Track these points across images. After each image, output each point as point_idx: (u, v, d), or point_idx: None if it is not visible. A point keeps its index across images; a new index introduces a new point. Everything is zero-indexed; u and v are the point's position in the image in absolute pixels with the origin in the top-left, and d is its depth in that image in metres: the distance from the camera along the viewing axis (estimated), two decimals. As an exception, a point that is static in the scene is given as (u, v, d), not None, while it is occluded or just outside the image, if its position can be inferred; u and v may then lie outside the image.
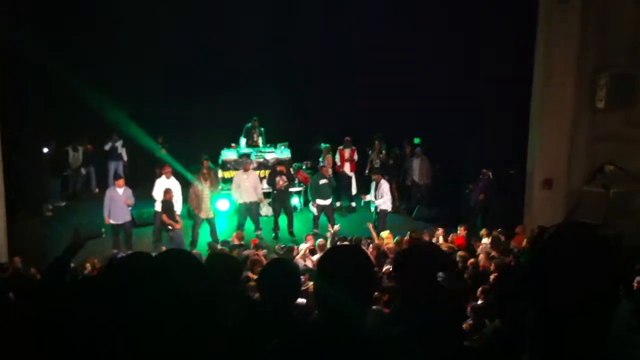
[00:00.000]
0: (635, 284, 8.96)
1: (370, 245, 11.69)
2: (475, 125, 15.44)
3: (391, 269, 9.05)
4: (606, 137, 13.10)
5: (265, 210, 15.18)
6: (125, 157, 17.13)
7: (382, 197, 14.04)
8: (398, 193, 16.61)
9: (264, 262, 10.13)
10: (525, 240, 11.68)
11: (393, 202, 14.93)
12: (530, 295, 1.74)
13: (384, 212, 14.15)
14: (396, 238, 12.35)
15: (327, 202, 14.45)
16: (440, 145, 16.54)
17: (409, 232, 12.43)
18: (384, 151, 16.99)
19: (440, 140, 16.50)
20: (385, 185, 14.20)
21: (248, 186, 14.16)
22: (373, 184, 14.53)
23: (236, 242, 12.10)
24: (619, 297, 1.75)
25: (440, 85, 16.37)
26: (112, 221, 12.88)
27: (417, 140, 17.05)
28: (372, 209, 14.61)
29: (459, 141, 16.03)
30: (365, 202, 15.13)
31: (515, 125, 14.21)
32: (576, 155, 13.29)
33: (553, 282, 1.69)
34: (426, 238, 12.20)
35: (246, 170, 14.33)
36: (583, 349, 1.69)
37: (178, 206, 13.30)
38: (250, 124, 16.80)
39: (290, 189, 15.16)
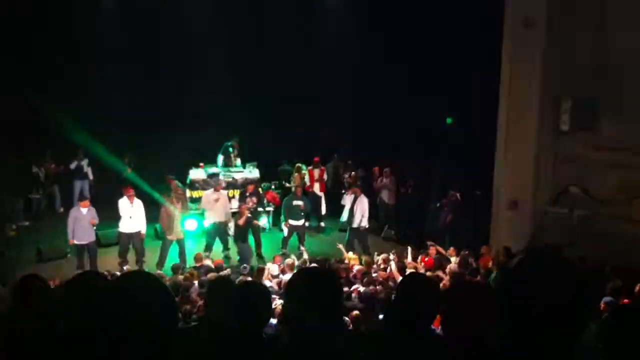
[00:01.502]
0: (602, 305, 9.09)
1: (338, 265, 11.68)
2: (441, 146, 15.62)
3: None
4: (570, 160, 13.34)
5: (234, 230, 15.07)
6: (91, 176, 16.90)
7: (363, 213, 14.06)
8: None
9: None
10: (490, 260, 11.79)
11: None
12: (498, 317, 1.77)
13: (365, 228, 14.20)
14: (364, 258, 12.40)
15: (300, 222, 14.43)
16: (407, 166, 16.66)
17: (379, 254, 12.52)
18: (352, 172, 17.10)
19: (407, 161, 16.63)
20: (365, 200, 14.28)
21: (218, 206, 14.07)
22: (347, 199, 14.58)
23: (196, 264, 11.98)
24: (585, 320, 1.78)
25: (406, 107, 16.57)
26: (76, 241, 12.70)
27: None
28: (348, 229, 14.56)
29: (426, 162, 16.18)
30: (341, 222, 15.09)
31: (481, 146, 14.41)
32: (541, 177, 13.49)
33: (520, 305, 1.72)
34: (395, 258, 12.26)
35: (217, 190, 14.25)
36: None
37: (142, 226, 13.16)
38: (230, 143, 16.74)
39: (259, 209, 15.13)
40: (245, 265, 12.10)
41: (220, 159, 16.60)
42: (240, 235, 13.71)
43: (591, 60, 12.94)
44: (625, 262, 11.48)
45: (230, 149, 16.65)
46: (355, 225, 14.21)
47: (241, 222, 13.66)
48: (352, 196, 14.45)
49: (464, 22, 14.51)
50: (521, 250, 2.11)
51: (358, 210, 14.20)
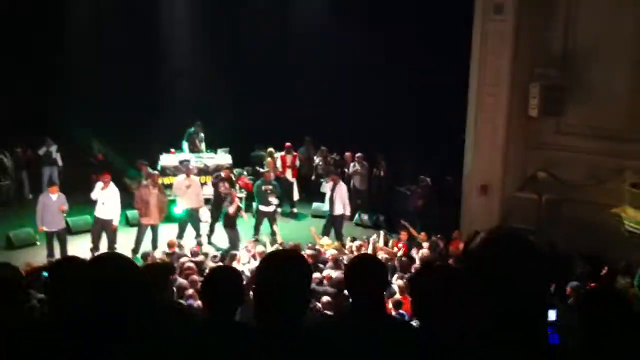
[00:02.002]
0: (567, 290, 9.28)
1: (308, 251, 11.69)
2: (412, 132, 15.72)
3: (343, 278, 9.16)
4: (539, 145, 13.55)
5: (206, 216, 15.01)
6: (60, 162, 16.66)
7: (343, 201, 14.15)
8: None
9: (194, 269, 10.10)
10: (461, 245, 11.94)
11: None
12: (464, 299, 1.81)
13: (341, 215, 14.26)
14: (335, 244, 12.47)
15: (271, 208, 14.42)
16: (378, 151, 16.74)
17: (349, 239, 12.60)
18: (326, 156, 17.16)
19: (378, 146, 16.71)
20: (344, 188, 14.34)
21: (190, 192, 13.99)
22: (327, 187, 14.62)
23: (169, 250, 11.93)
24: (547, 299, 1.83)
25: (378, 92, 16.63)
26: (45, 228, 12.53)
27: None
28: (326, 216, 14.60)
29: (397, 148, 16.26)
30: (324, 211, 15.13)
31: (452, 132, 14.54)
32: (511, 163, 13.67)
33: (485, 286, 1.75)
34: (365, 244, 12.35)
35: (188, 176, 14.17)
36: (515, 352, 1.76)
37: (116, 213, 13.05)
38: (193, 129, 16.65)
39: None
40: (216, 254, 12.10)
41: (185, 145, 16.51)
42: (230, 222, 13.62)
43: (560, 46, 13.12)
44: (593, 247, 11.73)
45: (194, 135, 16.58)
46: (335, 213, 14.26)
47: (232, 210, 13.57)
48: (331, 184, 14.48)
49: (432, 9, 14.56)
50: (484, 231, 2.16)
51: (337, 198, 14.25)
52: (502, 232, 1.88)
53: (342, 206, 14.27)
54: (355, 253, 11.72)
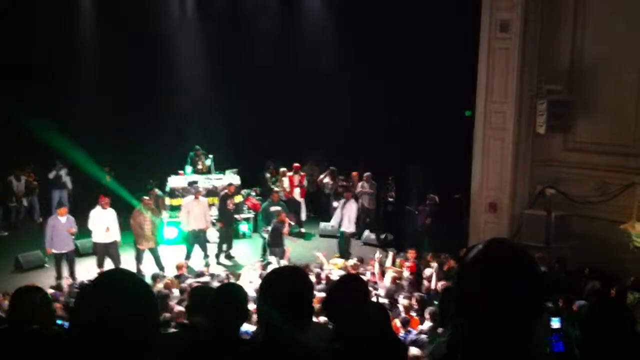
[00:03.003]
0: (574, 308, 9.20)
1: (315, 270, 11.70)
2: (419, 150, 15.71)
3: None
4: (547, 162, 13.51)
5: (213, 237, 15.03)
6: (69, 186, 16.79)
7: (350, 218, 14.28)
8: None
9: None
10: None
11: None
12: (458, 311, 1.80)
13: (347, 233, 14.38)
14: (341, 262, 12.47)
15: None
16: (386, 170, 16.75)
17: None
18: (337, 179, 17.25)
19: (385, 165, 16.72)
20: (354, 205, 14.38)
21: (198, 213, 14.06)
22: (339, 204, 14.66)
23: (177, 272, 11.92)
24: (540, 311, 1.81)
25: (385, 110, 16.68)
26: (54, 250, 12.59)
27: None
28: (339, 233, 14.67)
29: (405, 166, 16.26)
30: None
31: (460, 150, 14.53)
32: (519, 180, 13.63)
33: (476, 297, 1.75)
34: (372, 263, 12.32)
35: (197, 197, 14.24)
36: None
37: (116, 236, 13.08)
38: (193, 153, 16.79)
39: (237, 215, 15.23)
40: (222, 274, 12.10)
41: (189, 169, 16.61)
42: (276, 241, 13.72)
43: (566, 63, 13.13)
44: (602, 263, 11.65)
45: (195, 158, 16.71)
46: (343, 229, 14.39)
47: (285, 231, 13.84)
48: (343, 200, 14.56)
49: (439, 27, 14.62)
50: (478, 243, 2.16)
51: (346, 214, 14.36)
52: (498, 243, 1.87)
53: (347, 223, 14.35)
54: (353, 270, 11.69)
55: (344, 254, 14.01)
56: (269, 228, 14.22)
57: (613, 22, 12.44)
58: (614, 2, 12.43)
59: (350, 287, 3.53)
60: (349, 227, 14.45)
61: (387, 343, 3.53)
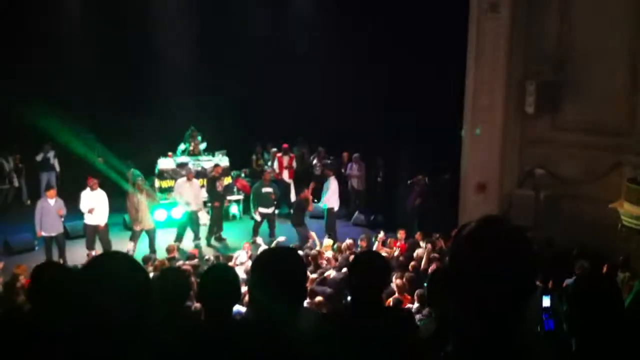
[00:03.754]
0: (564, 286, 9.28)
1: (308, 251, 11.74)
2: (409, 130, 15.71)
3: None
4: (535, 142, 13.56)
5: (205, 219, 15.00)
6: (57, 168, 16.70)
7: (327, 194, 14.26)
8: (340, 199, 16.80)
9: (191, 271, 10.10)
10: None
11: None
12: (450, 290, 1.80)
13: (330, 210, 14.36)
14: (335, 245, 12.47)
15: (270, 210, 14.42)
16: (375, 150, 16.76)
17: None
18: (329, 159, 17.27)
19: (375, 145, 16.72)
20: (333, 183, 14.39)
21: (191, 195, 14.02)
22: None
23: (168, 255, 11.90)
24: (532, 290, 1.82)
25: (373, 92, 16.64)
26: (44, 233, 12.54)
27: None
28: (324, 212, 14.74)
29: (394, 147, 16.27)
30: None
31: (449, 130, 14.54)
32: (508, 160, 13.68)
33: (469, 277, 1.75)
34: (364, 243, 12.35)
35: (189, 179, 14.19)
36: (496, 343, 1.75)
37: (104, 218, 13.05)
38: (189, 132, 16.71)
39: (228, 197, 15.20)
40: (212, 257, 12.11)
41: (182, 147, 16.53)
42: (298, 219, 13.92)
43: (555, 43, 13.14)
44: (591, 243, 11.73)
45: (189, 138, 16.65)
46: (325, 205, 14.53)
47: (310, 208, 14.11)
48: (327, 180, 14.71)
49: (428, 7, 14.56)
50: (470, 222, 2.16)
51: (327, 192, 14.53)
52: (492, 220, 1.88)
53: (328, 198, 14.46)
54: (347, 252, 11.72)
55: (329, 231, 14.05)
56: (262, 210, 14.20)
57: (601, 2, 12.44)
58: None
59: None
60: (331, 204, 14.49)
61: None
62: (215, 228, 14.50)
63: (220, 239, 14.56)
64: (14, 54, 15.82)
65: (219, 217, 14.62)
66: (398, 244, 12.55)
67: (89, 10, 17.21)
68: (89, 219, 12.97)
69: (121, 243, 13.30)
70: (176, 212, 14.42)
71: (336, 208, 14.76)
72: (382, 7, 16.23)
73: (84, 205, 12.94)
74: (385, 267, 3.55)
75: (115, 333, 2.05)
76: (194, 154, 16.54)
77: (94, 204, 12.86)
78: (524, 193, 13.06)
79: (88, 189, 13.01)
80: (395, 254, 11.89)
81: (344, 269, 10.47)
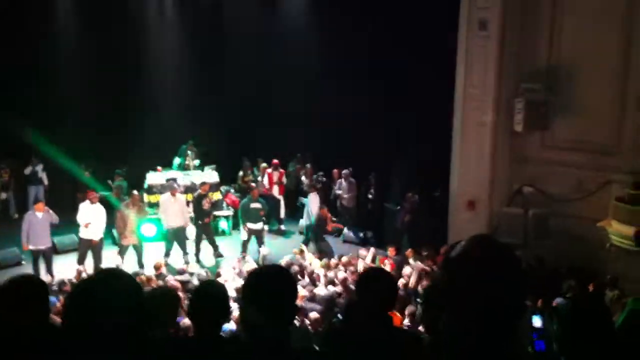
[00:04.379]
0: (554, 304, 9.28)
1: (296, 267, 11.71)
2: (399, 148, 15.76)
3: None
4: (525, 160, 13.62)
5: (192, 234, 14.89)
6: (45, 181, 16.61)
7: (312, 211, 14.53)
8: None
9: (180, 287, 10.06)
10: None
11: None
12: (443, 307, 1.80)
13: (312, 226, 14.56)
14: (323, 261, 12.44)
15: (259, 226, 14.36)
16: (366, 167, 16.78)
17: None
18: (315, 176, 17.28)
19: (365, 162, 16.75)
20: (313, 200, 14.49)
21: (175, 210, 13.94)
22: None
23: (156, 272, 11.82)
24: (523, 308, 1.82)
25: (364, 108, 16.70)
26: (31, 247, 12.44)
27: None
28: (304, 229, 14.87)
29: (384, 164, 16.30)
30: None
31: (439, 147, 14.59)
32: (497, 178, 13.72)
33: (460, 294, 1.75)
34: (354, 261, 12.34)
35: (173, 194, 14.12)
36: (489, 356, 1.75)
37: (100, 232, 12.98)
38: (185, 146, 16.69)
39: (216, 213, 15.14)
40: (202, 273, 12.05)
41: (177, 160, 16.53)
42: (317, 235, 14.23)
43: (544, 61, 13.24)
44: (580, 261, 11.77)
45: (188, 152, 16.63)
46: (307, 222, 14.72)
47: (329, 226, 14.44)
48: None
49: (417, 24, 14.66)
50: (461, 241, 2.17)
51: (309, 208, 14.74)
52: (482, 240, 1.88)
53: (310, 216, 14.65)
54: (342, 268, 11.71)
55: (315, 247, 14.10)
56: (251, 226, 14.17)
57: (590, 20, 12.55)
58: (591, 3, 12.53)
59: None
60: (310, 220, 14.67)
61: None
62: (200, 245, 14.32)
63: (219, 256, 14.32)
64: (2, 66, 15.76)
65: (210, 234, 14.48)
66: (387, 261, 12.55)
67: (82, 23, 17.17)
68: (84, 233, 12.87)
69: (110, 258, 13.22)
70: (148, 229, 14.39)
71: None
72: (371, 25, 16.34)
73: (81, 218, 12.85)
74: (393, 286, 3.56)
75: (109, 349, 2.04)
76: (187, 168, 16.53)
77: (92, 218, 12.78)
78: (513, 211, 13.07)
79: (87, 201, 12.94)
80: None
81: (331, 287, 10.46)
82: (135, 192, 13.83)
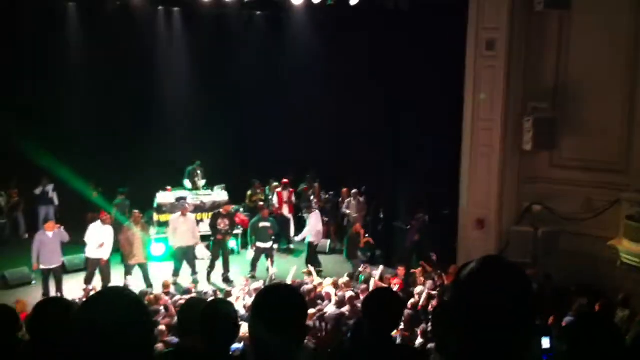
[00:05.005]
0: (563, 324, 9.23)
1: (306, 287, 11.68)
2: (408, 166, 15.77)
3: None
4: (534, 178, 13.61)
5: (202, 254, 14.92)
6: (56, 202, 16.69)
7: (307, 228, 14.65)
8: (336, 234, 16.81)
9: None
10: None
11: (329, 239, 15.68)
12: (453, 329, 1.81)
13: (310, 244, 14.76)
14: (332, 279, 12.43)
15: (268, 245, 14.37)
16: (375, 186, 16.79)
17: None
18: (322, 194, 17.29)
19: (375, 181, 16.77)
20: (313, 218, 14.55)
21: (185, 230, 13.97)
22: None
23: (164, 290, 11.82)
24: (533, 329, 1.83)
25: (373, 127, 16.75)
26: (41, 266, 12.50)
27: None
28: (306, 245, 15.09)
29: (393, 182, 16.31)
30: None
31: (449, 166, 14.60)
32: (506, 196, 13.71)
33: (470, 315, 1.76)
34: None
35: (183, 214, 14.16)
36: None
37: (109, 252, 13.02)
38: (192, 167, 16.78)
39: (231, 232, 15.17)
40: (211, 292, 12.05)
41: (187, 182, 16.63)
42: (352, 253, 14.46)
43: (552, 80, 13.28)
44: (590, 279, 11.71)
45: (193, 173, 16.71)
46: (307, 240, 14.98)
47: (362, 243, 14.50)
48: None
49: (425, 44, 14.73)
50: (472, 261, 2.17)
51: (309, 226, 14.99)
52: (493, 261, 1.89)
53: (307, 232, 14.92)
54: (345, 288, 11.65)
55: (310, 264, 14.15)
56: (260, 245, 14.19)
57: (597, 39, 12.60)
58: (597, 22, 12.58)
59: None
60: (311, 238, 14.90)
61: None
62: (215, 262, 14.28)
63: (227, 280, 14.10)
64: (12, 86, 15.90)
65: (224, 255, 14.31)
66: (395, 280, 12.52)
67: (89, 43, 17.31)
68: (93, 253, 12.92)
69: (120, 277, 13.25)
70: (157, 249, 14.43)
71: (316, 242, 15.09)
72: (378, 43, 16.44)
73: (90, 238, 12.90)
74: (400, 307, 3.56)
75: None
76: (195, 188, 16.63)
77: (103, 239, 12.85)
78: (522, 229, 13.05)
79: (99, 221, 13.01)
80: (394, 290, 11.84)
81: (341, 307, 10.43)
82: (136, 211, 13.82)
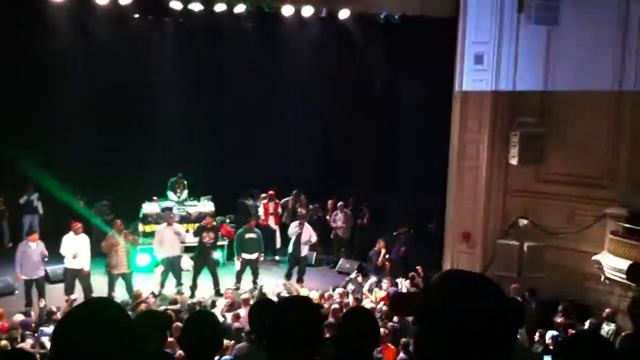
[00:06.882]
0: (547, 340, 9.25)
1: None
2: (395, 179, 15.81)
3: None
4: (520, 193, 13.67)
5: (187, 264, 14.80)
6: (41, 211, 16.53)
7: (300, 242, 14.56)
8: (321, 246, 16.74)
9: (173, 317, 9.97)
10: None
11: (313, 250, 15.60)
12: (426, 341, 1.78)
13: (303, 257, 14.69)
14: (319, 292, 12.40)
15: (254, 256, 14.30)
16: (362, 198, 16.79)
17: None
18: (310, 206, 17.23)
19: (362, 193, 16.77)
20: (305, 231, 14.52)
21: (171, 240, 13.87)
22: (293, 230, 14.81)
23: (138, 300, 11.66)
24: (508, 342, 1.78)
25: (361, 139, 16.77)
26: (24, 277, 12.37)
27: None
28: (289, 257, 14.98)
29: (379, 196, 16.32)
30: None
31: (436, 180, 14.65)
32: (492, 210, 13.76)
33: (440, 327, 1.73)
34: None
35: (169, 224, 14.07)
36: None
37: (87, 263, 12.89)
38: (174, 179, 16.67)
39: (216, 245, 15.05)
40: (195, 301, 11.98)
41: (171, 194, 16.52)
42: (372, 267, 14.59)
43: (539, 96, 13.37)
44: (574, 294, 11.76)
45: (175, 184, 16.62)
46: (301, 254, 14.69)
47: (380, 261, 14.45)
48: (299, 228, 14.78)
49: (413, 59, 14.81)
50: (437, 275, 2.15)
51: (303, 240, 14.68)
52: (453, 275, 1.86)
53: (306, 248, 14.75)
54: (338, 300, 11.64)
55: (300, 277, 14.26)
56: (245, 256, 14.12)
57: (583, 54, 12.70)
58: (584, 38, 12.69)
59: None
60: (298, 251, 14.68)
61: None
62: (198, 278, 14.03)
63: (217, 293, 13.74)
64: (1, 96, 15.81)
65: (210, 269, 14.14)
66: (381, 293, 12.51)
67: (77, 53, 17.22)
68: (70, 263, 12.81)
69: (103, 287, 13.12)
70: (158, 257, 14.25)
71: (301, 254, 14.81)
72: (371, 59, 16.50)
73: (65, 250, 12.79)
74: (374, 328, 3.49)
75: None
76: (178, 201, 16.53)
77: (77, 249, 12.71)
78: (508, 243, 13.09)
79: (71, 232, 12.89)
80: (380, 304, 11.82)
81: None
82: (118, 220, 13.66)
